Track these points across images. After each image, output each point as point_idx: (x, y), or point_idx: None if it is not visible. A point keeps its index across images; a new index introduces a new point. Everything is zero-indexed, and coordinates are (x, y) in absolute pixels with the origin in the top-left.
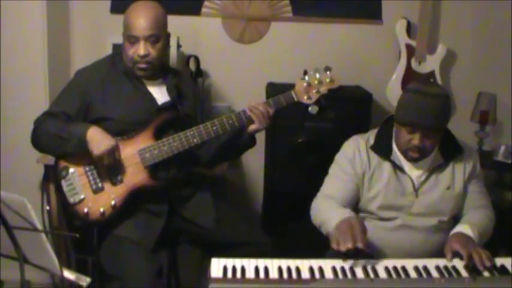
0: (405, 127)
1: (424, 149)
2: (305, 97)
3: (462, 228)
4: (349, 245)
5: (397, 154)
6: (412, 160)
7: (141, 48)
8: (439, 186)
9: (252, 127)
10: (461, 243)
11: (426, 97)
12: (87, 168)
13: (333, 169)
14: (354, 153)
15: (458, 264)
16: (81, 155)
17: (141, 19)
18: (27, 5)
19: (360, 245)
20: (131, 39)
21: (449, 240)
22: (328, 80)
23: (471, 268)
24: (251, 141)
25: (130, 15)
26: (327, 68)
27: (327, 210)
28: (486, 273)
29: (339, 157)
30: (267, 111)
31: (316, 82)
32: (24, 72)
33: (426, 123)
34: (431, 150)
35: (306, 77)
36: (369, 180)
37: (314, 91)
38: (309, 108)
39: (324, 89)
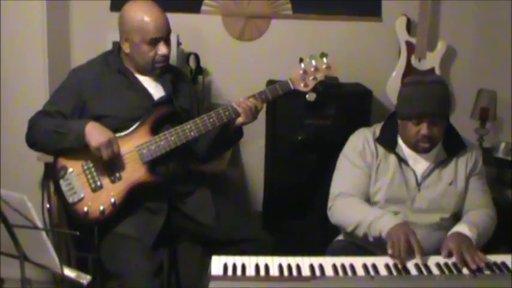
0: (411, 120)
1: (433, 138)
2: (302, 85)
3: (461, 227)
4: (418, 257)
5: (401, 147)
6: (423, 151)
7: (164, 48)
8: (441, 181)
9: (239, 120)
10: (456, 243)
11: (426, 86)
12: (85, 167)
13: (343, 164)
14: (363, 145)
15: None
16: (79, 152)
17: (159, 20)
18: (27, 4)
19: (419, 256)
20: (154, 41)
21: (446, 239)
22: (324, 67)
23: (452, 264)
24: (239, 134)
25: (145, 18)
26: (323, 55)
27: (357, 210)
28: (486, 271)
29: (348, 151)
30: (254, 106)
31: (312, 69)
32: (24, 69)
33: (431, 110)
34: (439, 138)
35: (302, 65)
36: (375, 172)
37: (311, 78)
38: (306, 96)
39: (320, 76)
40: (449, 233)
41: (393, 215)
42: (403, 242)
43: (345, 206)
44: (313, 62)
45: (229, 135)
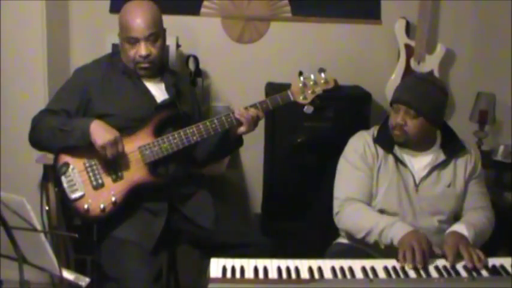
0: (392, 105)
1: (406, 130)
2: (301, 97)
3: (458, 227)
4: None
5: (399, 148)
6: (397, 141)
7: (143, 49)
8: (440, 183)
9: (241, 130)
10: (452, 243)
11: (419, 80)
12: (87, 165)
13: (345, 167)
14: (364, 147)
15: (458, 264)
16: (81, 150)
17: (139, 19)
18: (27, 5)
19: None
20: (131, 40)
21: (445, 241)
22: (322, 81)
23: (451, 267)
24: (239, 142)
25: (128, 17)
26: (321, 70)
27: (367, 216)
28: (485, 273)
29: (349, 154)
30: (256, 116)
31: (311, 83)
32: (23, 70)
33: (408, 99)
34: (413, 134)
35: (301, 78)
36: (376, 174)
37: (309, 92)
38: (305, 108)
39: (318, 90)
40: (446, 232)
41: (404, 222)
42: (417, 250)
43: (355, 213)
44: (312, 76)
45: (229, 143)
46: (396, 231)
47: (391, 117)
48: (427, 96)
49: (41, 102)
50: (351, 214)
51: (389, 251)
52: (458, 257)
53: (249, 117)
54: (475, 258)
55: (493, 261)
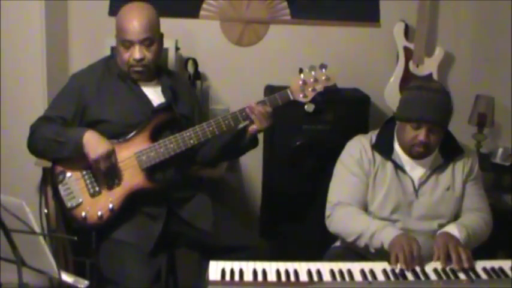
0: (410, 123)
1: (429, 144)
2: (301, 95)
3: (449, 228)
4: (415, 266)
5: (398, 154)
6: (417, 156)
7: (137, 52)
8: (439, 187)
9: (253, 127)
10: (442, 242)
11: (430, 92)
12: (84, 172)
13: (341, 172)
14: (360, 152)
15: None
16: (78, 158)
17: (135, 23)
18: (26, 6)
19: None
20: (126, 43)
21: (435, 241)
22: (323, 78)
23: (450, 270)
24: (253, 142)
25: (123, 19)
26: (323, 66)
27: (357, 220)
28: (484, 276)
29: (345, 158)
30: (266, 111)
31: (311, 80)
32: (22, 74)
33: (432, 118)
34: (435, 146)
35: (301, 75)
36: (373, 180)
37: (310, 89)
38: (305, 107)
39: (319, 87)
40: (438, 233)
41: (394, 226)
42: (407, 252)
43: (345, 216)
44: (313, 73)
45: (244, 143)
46: (386, 235)
47: (406, 133)
48: (445, 109)
49: (40, 106)
50: (342, 217)
51: (383, 255)
52: (448, 257)
53: (258, 113)
54: (464, 258)
55: (492, 263)
